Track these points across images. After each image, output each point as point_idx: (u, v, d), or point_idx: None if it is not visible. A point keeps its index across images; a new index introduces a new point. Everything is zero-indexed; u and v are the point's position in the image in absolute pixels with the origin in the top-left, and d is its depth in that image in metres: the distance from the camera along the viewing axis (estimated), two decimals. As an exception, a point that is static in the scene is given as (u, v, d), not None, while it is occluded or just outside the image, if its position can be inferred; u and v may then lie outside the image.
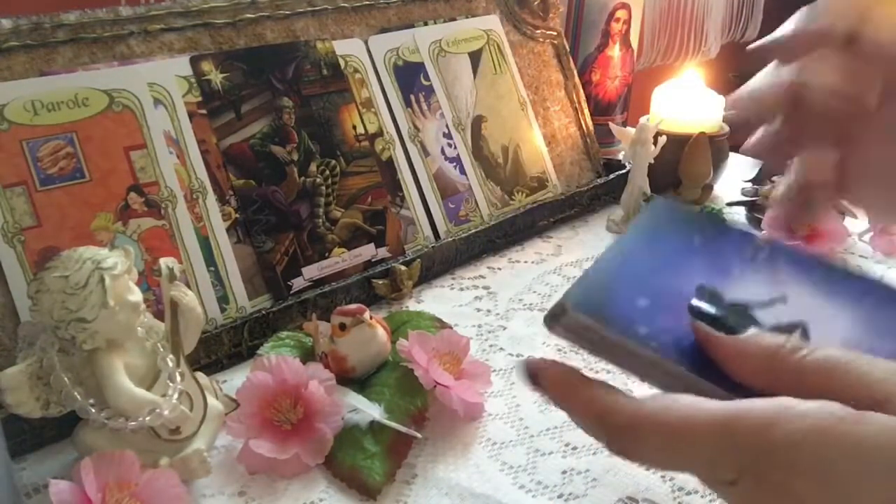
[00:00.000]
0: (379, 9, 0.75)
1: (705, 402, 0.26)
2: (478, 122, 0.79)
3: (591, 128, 0.89)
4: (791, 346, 0.26)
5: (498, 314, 0.65)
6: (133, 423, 0.41)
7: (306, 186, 0.65)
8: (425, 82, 0.76)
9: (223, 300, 0.59)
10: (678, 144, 0.84)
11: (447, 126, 0.76)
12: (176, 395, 0.43)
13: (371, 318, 0.52)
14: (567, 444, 0.50)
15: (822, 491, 0.23)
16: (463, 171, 0.76)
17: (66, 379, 0.41)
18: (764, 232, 0.72)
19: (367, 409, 0.48)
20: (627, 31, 0.99)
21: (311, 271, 0.64)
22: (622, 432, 0.27)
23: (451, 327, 0.58)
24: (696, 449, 0.25)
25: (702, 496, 0.46)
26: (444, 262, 0.71)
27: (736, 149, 0.91)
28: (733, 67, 1.54)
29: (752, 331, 0.27)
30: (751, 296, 0.30)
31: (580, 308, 0.27)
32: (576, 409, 0.28)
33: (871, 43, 0.30)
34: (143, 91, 0.58)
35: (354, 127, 0.69)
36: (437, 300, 0.67)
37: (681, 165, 0.86)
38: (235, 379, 0.54)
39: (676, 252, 0.31)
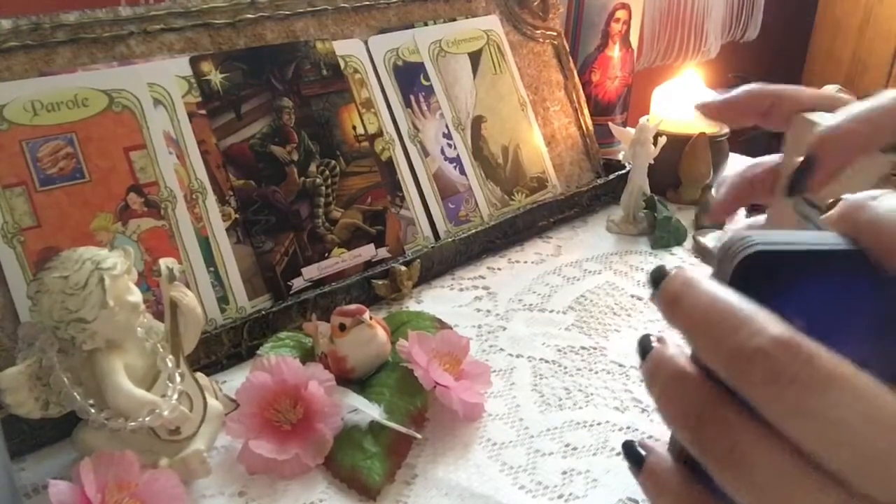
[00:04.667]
0: (379, 9, 0.74)
1: None
2: (478, 122, 0.79)
3: (591, 128, 0.89)
4: None
5: (498, 314, 0.65)
6: (133, 423, 0.41)
7: (306, 186, 0.65)
8: (425, 82, 0.76)
9: (223, 300, 0.59)
10: (678, 144, 0.84)
11: (447, 126, 0.76)
12: (176, 396, 0.43)
13: (371, 318, 0.52)
14: (567, 445, 0.50)
15: None
16: (463, 172, 0.76)
17: (65, 379, 0.41)
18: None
19: (366, 410, 0.48)
20: (627, 31, 0.99)
21: (311, 272, 0.64)
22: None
23: (451, 328, 0.58)
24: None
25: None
26: (443, 262, 0.71)
27: (736, 149, 0.91)
28: (733, 67, 1.54)
29: None
30: None
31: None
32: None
33: None
34: (142, 91, 0.58)
35: (354, 127, 0.69)
36: (436, 300, 0.67)
37: (681, 165, 0.86)
38: (235, 379, 0.54)
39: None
